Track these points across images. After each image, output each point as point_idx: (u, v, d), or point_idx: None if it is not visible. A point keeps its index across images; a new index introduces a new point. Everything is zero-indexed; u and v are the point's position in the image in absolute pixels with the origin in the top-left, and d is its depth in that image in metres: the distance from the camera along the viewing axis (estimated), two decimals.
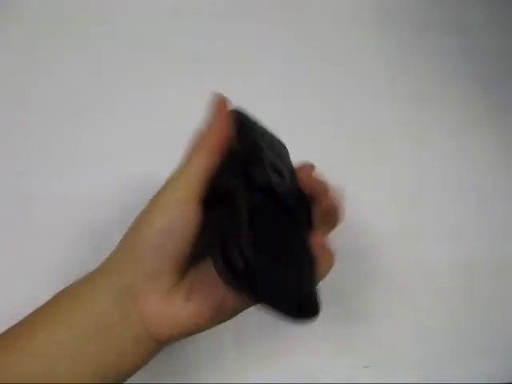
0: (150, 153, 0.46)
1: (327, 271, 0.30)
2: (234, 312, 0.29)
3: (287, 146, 0.34)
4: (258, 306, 0.25)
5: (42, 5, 0.52)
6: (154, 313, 0.27)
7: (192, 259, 0.28)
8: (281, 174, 0.29)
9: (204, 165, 0.28)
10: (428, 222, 0.48)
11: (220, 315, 0.28)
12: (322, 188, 0.32)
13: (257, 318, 0.41)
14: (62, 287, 0.29)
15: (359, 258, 0.45)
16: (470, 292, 0.45)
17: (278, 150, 0.31)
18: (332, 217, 0.32)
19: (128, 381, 0.36)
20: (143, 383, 0.38)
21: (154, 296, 0.27)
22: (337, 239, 0.45)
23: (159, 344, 0.28)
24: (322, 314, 0.43)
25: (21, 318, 0.28)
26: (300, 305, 0.26)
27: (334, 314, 0.43)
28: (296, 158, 0.34)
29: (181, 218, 0.26)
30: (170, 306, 0.27)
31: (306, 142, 0.47)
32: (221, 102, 0.30)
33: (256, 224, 0.25)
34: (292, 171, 0.31)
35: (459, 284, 0.45)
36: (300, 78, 0.52)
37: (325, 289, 0.43)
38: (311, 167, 0.33)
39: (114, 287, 0.27)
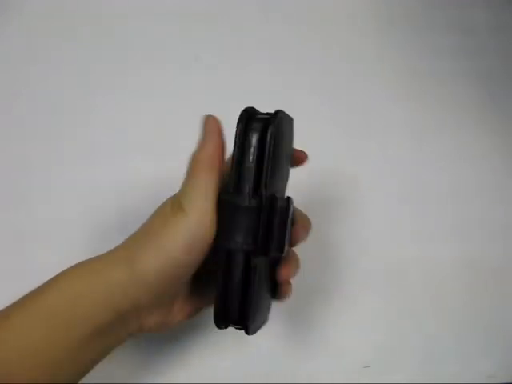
0: (144, 152, 0.46)
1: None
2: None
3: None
4: None
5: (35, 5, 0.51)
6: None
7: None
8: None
9: (213, 178, 0.28)
10: (428, 221, 0.48)
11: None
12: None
13: None
14: None
15: (358, 257, 0.46)
16: (470, 292, 0.45)
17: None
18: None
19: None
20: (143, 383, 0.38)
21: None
22: (337, 238, 0.46)
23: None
24: (322, 314, 0.43)
25: None
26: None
27: (334, 314, 0.44)
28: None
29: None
30: None
31: (307, 140, 0.47)
32: (211, 121, 0.29)
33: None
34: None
35: (459, 284, 0.45)
36: (300, 79, 0.52)
37: (325, 288, 0.43)
38: None
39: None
